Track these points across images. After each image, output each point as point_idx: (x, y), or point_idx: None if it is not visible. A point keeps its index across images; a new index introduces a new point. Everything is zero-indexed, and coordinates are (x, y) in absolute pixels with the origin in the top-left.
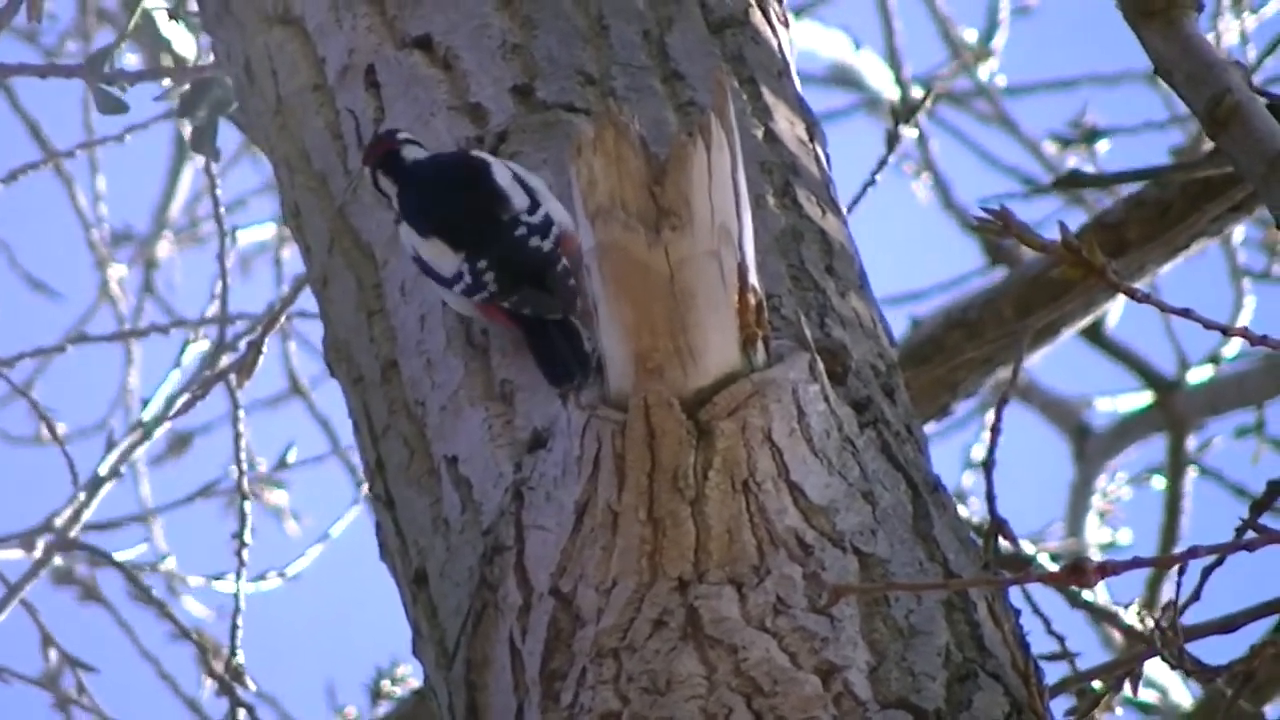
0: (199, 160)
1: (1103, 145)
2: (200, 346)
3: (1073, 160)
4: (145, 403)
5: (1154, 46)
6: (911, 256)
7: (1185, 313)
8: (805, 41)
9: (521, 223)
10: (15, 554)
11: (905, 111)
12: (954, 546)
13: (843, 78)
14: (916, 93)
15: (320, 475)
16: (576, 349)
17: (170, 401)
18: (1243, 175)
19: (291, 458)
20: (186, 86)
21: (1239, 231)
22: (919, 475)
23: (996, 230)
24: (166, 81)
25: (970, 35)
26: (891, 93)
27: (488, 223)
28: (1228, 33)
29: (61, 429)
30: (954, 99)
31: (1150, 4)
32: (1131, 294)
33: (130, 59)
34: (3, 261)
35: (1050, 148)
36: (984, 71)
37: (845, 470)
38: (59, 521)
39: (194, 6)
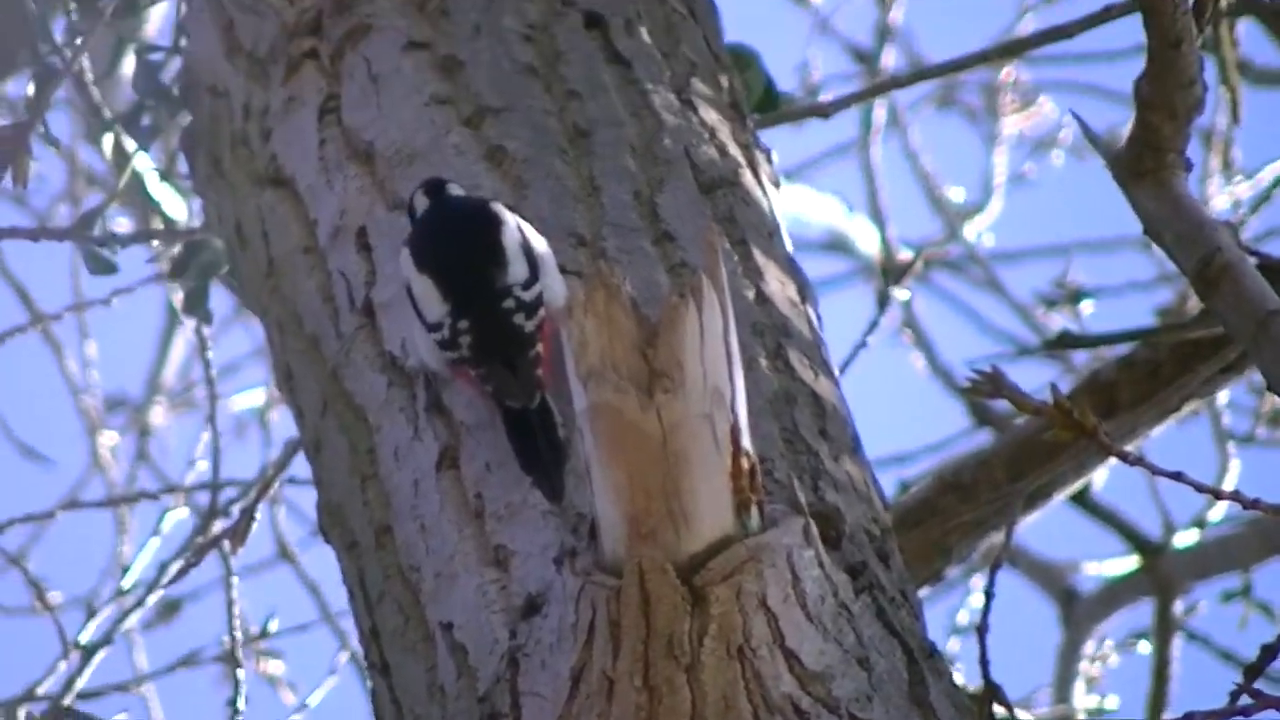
0: (191, 324)
1: (1087, 306)
2: (180, 514)
3: (1060, 323)
4: (125, 570)
5: (1144, 207)
6: (897, 419)
7: (1177, 476)
8: (797, 206)
9: (512, 295)
10: None
11: (896, 273)
12: (950, 713)
13: (836, 243)
14: (906, 255)
15: (310, 641)
16: (550, 438)
17: (163, 568)
18: (1233, 336)
19: (274, 626)
20: (177, 249)
21: (1224, 394)
22: (914, 641)
23: (987, 392)
24: (156, 244)
25: (958, 196)
26: (883, 260)
27: (481, 284)
28: (1217, 196)
29: (56, 597)
30: (945, 263)
31: (1140, 164)
32: (1124, 456)
33: (121, 222)
34: None
35: (1041, 313)
36: (974, 236)
37: (840, 636)
38: (49, 689)
39: (184, 169)
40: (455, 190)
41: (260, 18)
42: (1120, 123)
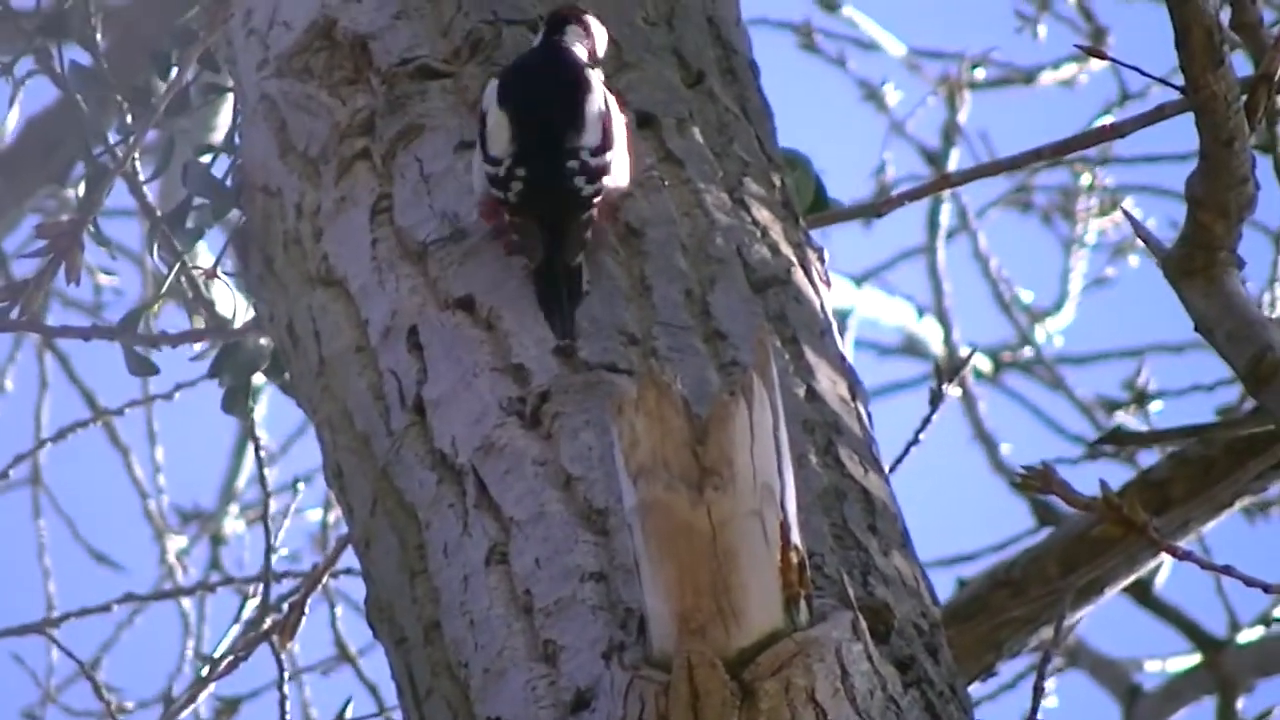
0: (256, 426)
1: (1155, 407)
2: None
3: (1132, 425)
4: (198, 669)
5: (1195, 305)
6: (964, 518)
7: (1226, 570)
8: (868, 309)
9: (579, 157)
10: None
11: (949, 370)
12: None
13: (910, 347)
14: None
15: None
16: (571, 300)
17: (213, 664)
18: None
19: None
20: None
21: None
22: None
23: (1038, 487)
24: (200, 345)
25: (1027, 297)
26: (945, 355)
27: (551, 140)
28: None
29: (129, 704)
30: (1020, 365)
31: (1191, 262)
32: (1172, 551)
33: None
34: (65, 534)
35: (1108, 415)
36: (1046, 337)
37: None
38: None
39: (236, 267)
40: (571, 40)
41: (313, 117)
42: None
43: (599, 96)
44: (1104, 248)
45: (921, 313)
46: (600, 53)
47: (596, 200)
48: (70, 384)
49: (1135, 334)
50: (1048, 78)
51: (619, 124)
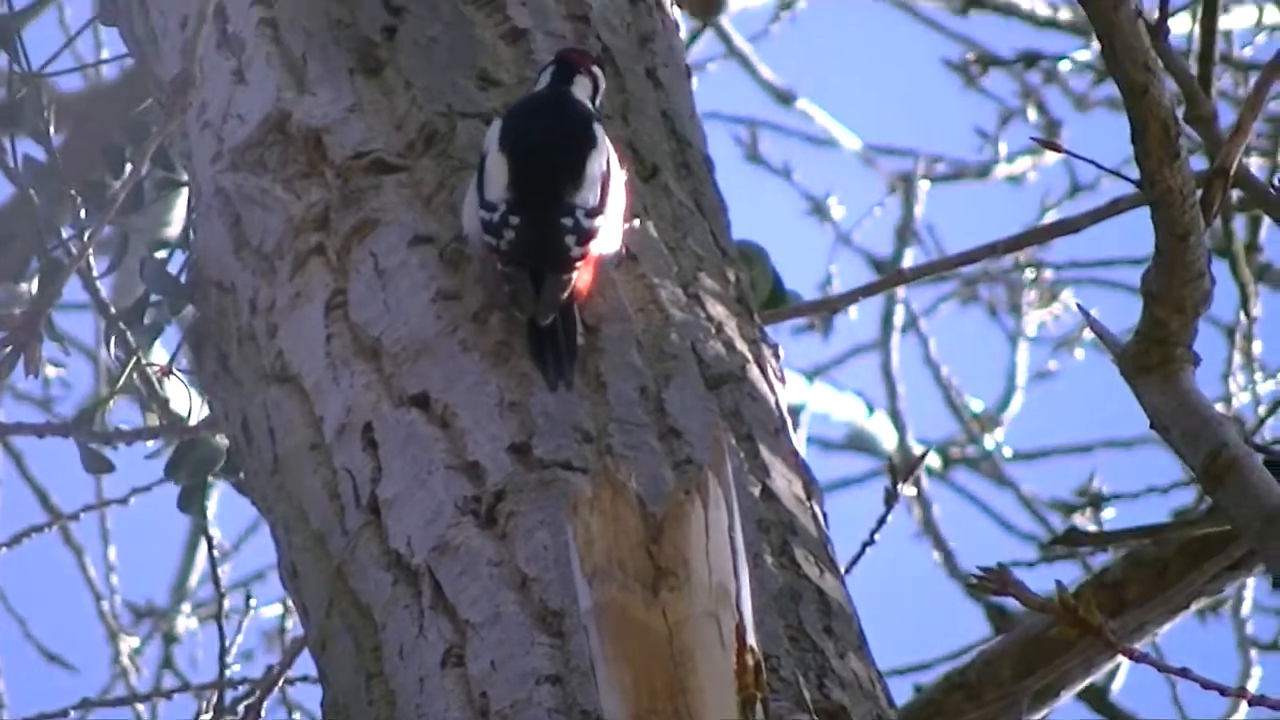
0: (208, 524)
1: (1109, 512)
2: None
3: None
4: None
5: (1150, 402)
6: (919, 623)
7: (1183, 672)
8: (819, 405)
9: (574, 214)
10: None
11: (904, 469)
12: None
13: (859, 442)
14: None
15: None
16: (569, 346)
17: None
18: (1239, 532)
19: None
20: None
21: (1248, 601)
22: None
23: (994, 589)
24: (155, 442)
25: (977, 405)
26: (895, 457)
27: (549, 189)
28: (1239, 393)
29: None
30: (968, 462)
31: (1147, 359)
32: (1129, 654)
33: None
34: (16, 634)
35: (1061, 516)
36: (992, 440)
37: None
38: None
39: (190, 364)
40: (578, 91)
41: (267, 212)
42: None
43: (603, 155)
44: (1047, 341)
45: (871, 409)
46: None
47: (580, 264)
48: (21, 480)
49: (1080, 429)
50: (1001, 171)
51: (618, 185)
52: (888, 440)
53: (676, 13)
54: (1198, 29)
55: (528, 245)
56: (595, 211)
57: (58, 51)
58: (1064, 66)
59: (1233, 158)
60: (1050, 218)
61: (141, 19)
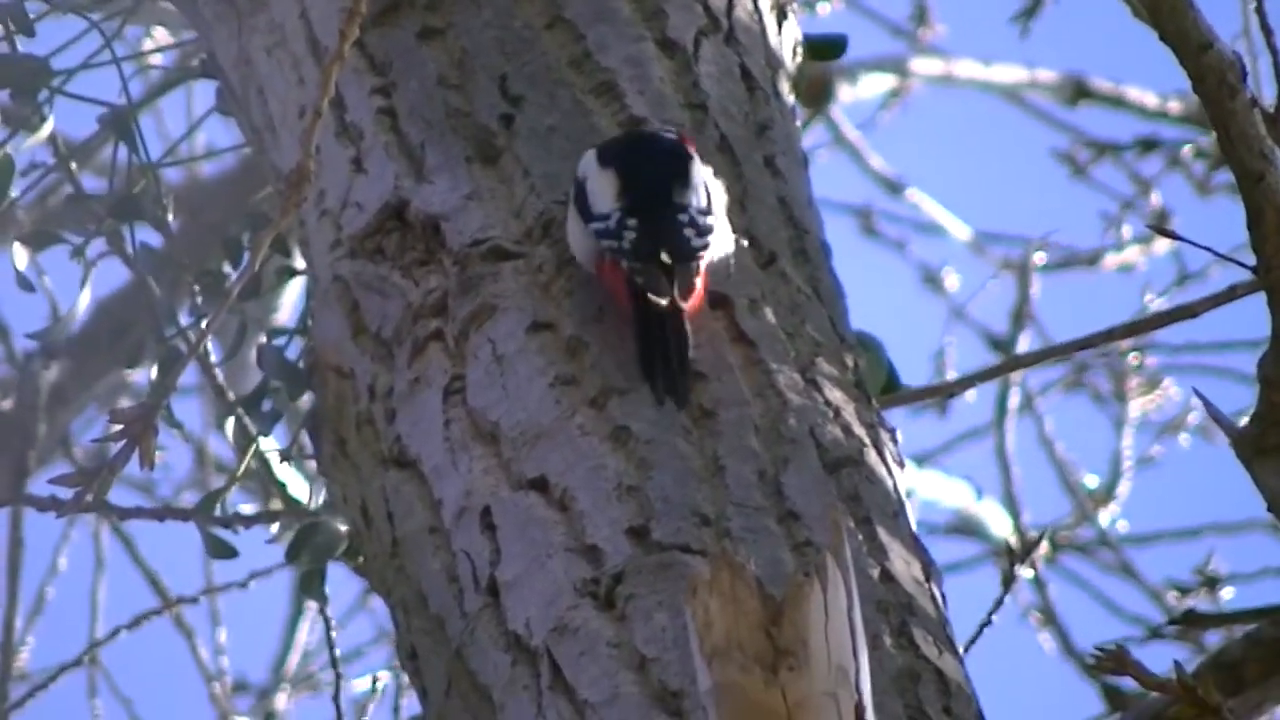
0: (315, 606)
1: (1227, 592)
2: None
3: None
4: None
5: (1268, 484)
6: (1032, 703)
7: None
8: (928, 491)
9: (689, 212)
10: None
11: (1020, 552)
12: None
13: (966, 527)
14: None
15: None
16: (681, 355)
17: None
18: None
19: None
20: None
21: None
22: None
23: (1112, 669)
24: (275, 527)
25: (1091, 482)
26: (1012, 539)
27: (661, 193)
28: None
29: None
30: (1077, 547)
31: (1263, 442)
32: None
33: (244, 507)
34: (122, 715)
35: (1175, 597)
36: (1105, 519)
37: None
38: None
39: (309, 450)
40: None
41: (386, 299)
42: (1245, 405)
43: (699, 166)
44: (1151, 427)
45: (980, 493)
46: None
47: (703, 254)
48: (132, 564)
49: (1185, 514)
50: (1111, 261)
51: (719, 196)
52: (996, 525)
53: (793, 100)
54: None
55: (652, 239)
56: (705, 211)
57: (175, 143)
58: (1187, 151)
59: None
60: (1156, 305)
61: (260, 108)
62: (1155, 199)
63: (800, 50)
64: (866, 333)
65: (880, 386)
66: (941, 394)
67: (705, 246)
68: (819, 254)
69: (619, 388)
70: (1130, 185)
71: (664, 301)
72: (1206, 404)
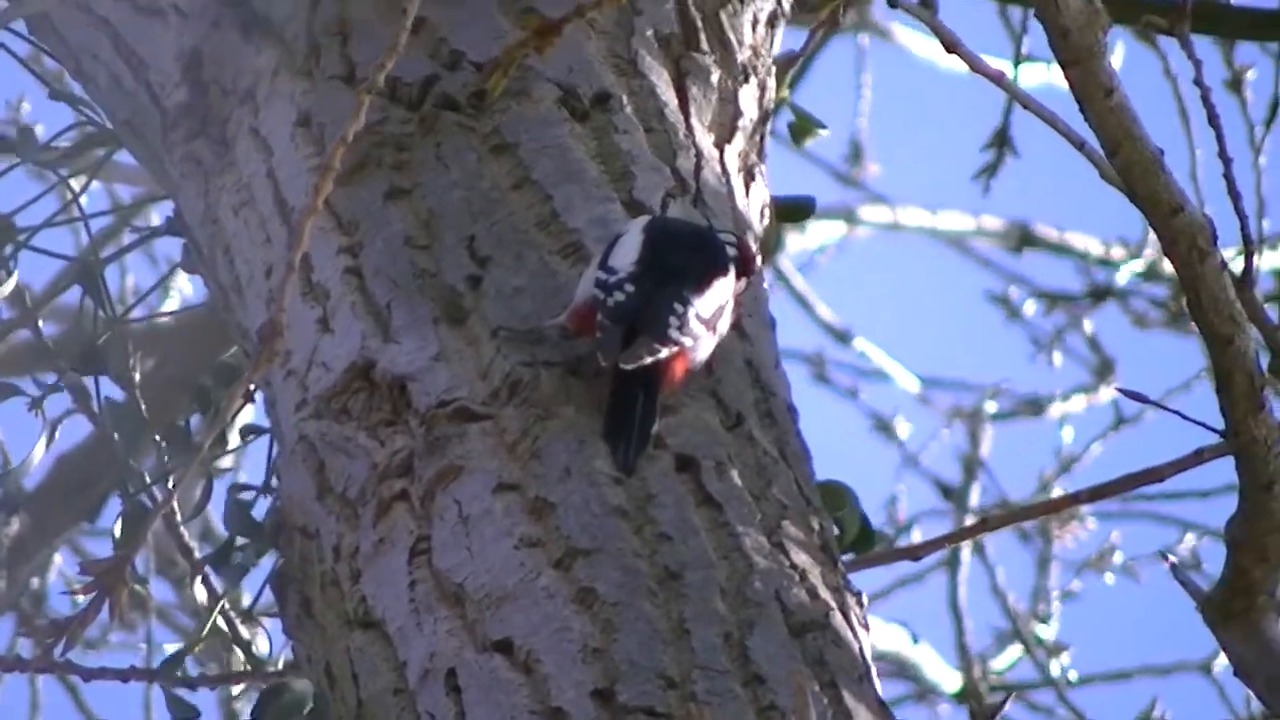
0: None
1: None
2: None
3: None
4: None
5: (1234, 650)
6: None
7: None
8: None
9: (687, 310)
10: None
11: (986, 715)
12: None
13: (900, 671)
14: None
15: None
16: (641, 434)
17: None
18: None
19: None
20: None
21: None
22: None
23: None
24: (237, 688)
25: (1046, 632)
26: (950, 684)
27: (675, 284)
28: None
29: None
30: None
31: (1230, 607)
32: None
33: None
34: None
35: None
36: (1060, 669)
37: None
38: None
39: (274, 609)
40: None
41: (351, 459)
42: (1170, 544)
43: (728, 288)
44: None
45: (916, 639)
46: None
47: (675, 348)
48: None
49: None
50: (1056, 409)
51: (726, 319)
52: (930, 669)
53: (765, 263)
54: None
55: (633, 308)
56: (704, 321)
57: (141, 298)
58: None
59: None
60: (1096, 451)
61: (226, 267)
62: (1088, 326)
63: (768, 211)
64: (840, 482)
65: (853, 536)
66: (911, 555)
67: (677, 342)
68: (786, 416)
69: (584, 549)
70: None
71: (603, 362)
72: (1174, 569)
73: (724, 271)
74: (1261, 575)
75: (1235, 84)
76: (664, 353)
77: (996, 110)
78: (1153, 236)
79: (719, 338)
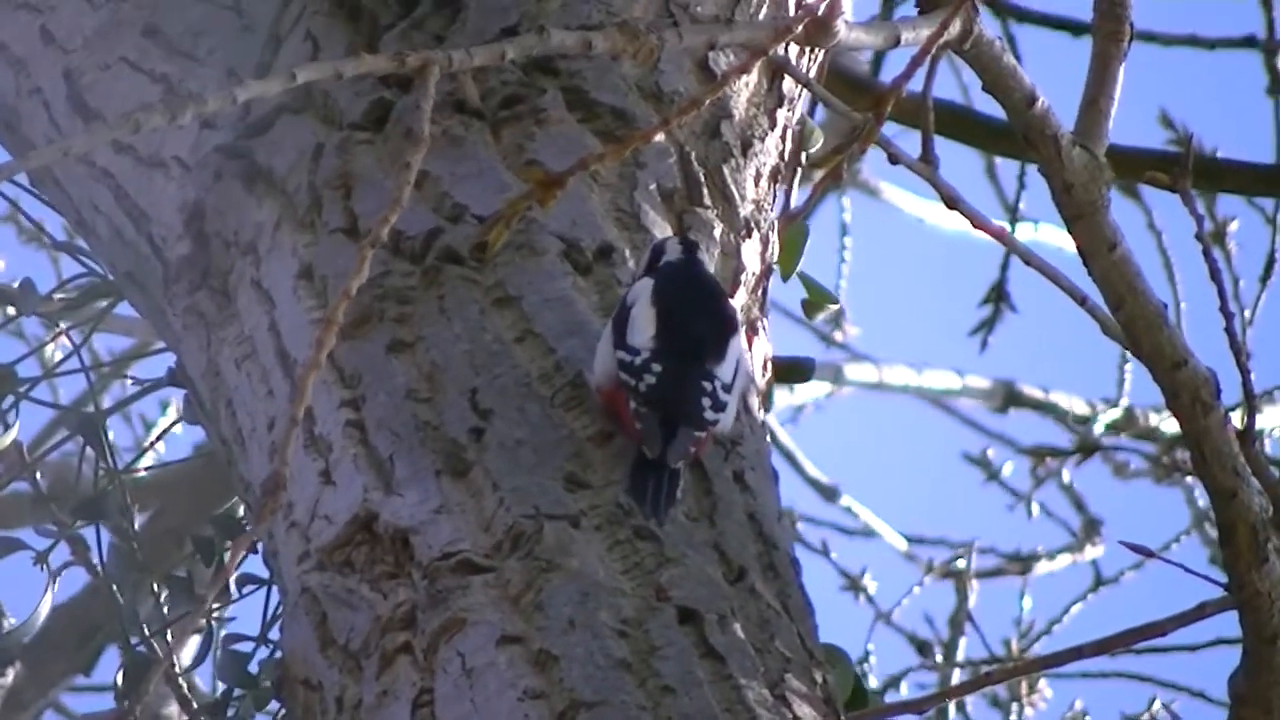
0: None
1: None
2: None
3: None
4: None
5: None
6: None
7: None
8: None
9: (715, 385)
10: None
11: None
12: None
13: None
14: None
15: None
16: (670, 489)
17: None
18: None
19: None
20: None
21: None
22: None
23: None
24: None
25: None
26: None
27: (696, 355)
28: None
29: None
30: None
31: None
32: None
33: None
34: None
35: None
36: None
37: None
38: None
39: None
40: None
41: (354, 611)
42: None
43: (740, 341)
44: None
45: None
46: None
47: (711, 428)
48: None
49: None
50: (1043, 567)
51: (742, 373)
52: None
53: (764, 416)
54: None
55: (667, 393)
56: (728, 388)
57: (141, 452)
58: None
59: None
60: (1076, 610)
61: (229, 420)
62: (1066, 476)
63: (769, 365)
64: (833, 645)
65: (848, 698)
66: (913, 709)
67: (715, 422)
68: (788, 569)
69: (588, 701)
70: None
71: (650, 455)
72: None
73: (735, 329)
74: None
75: (1219, 236)
76: (705, 435)
77: (983, 269)
78: (1131, 388)
79: (739, 392)
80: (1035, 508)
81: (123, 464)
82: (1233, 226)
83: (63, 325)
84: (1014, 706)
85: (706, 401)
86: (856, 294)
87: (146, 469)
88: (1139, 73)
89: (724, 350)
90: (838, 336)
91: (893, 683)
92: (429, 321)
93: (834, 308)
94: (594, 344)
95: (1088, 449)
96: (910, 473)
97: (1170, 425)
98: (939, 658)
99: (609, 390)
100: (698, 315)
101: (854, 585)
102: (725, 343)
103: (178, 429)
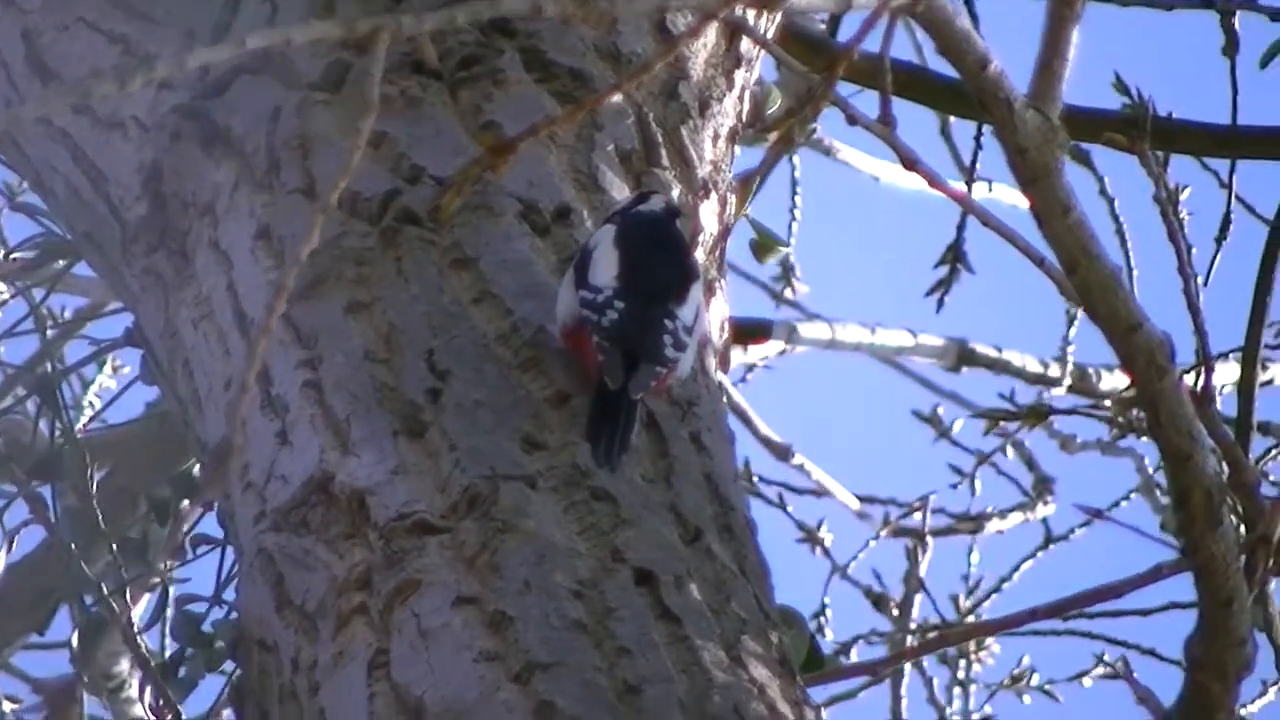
0: None
1: None
2: None
3: None
4: None
5: None
6: None
7: None
8: None
9: (676, 324)
10: None
11: None
12: None
13: None
14: None
15: None
16: (625, 430)
17: None
18: None
19: None
20: None
21: None
22: None
23: None
24: None
25: None
26: None
27: (658, 296)
28: None
29: None
30: None
31: None
32: None
33: None
34: None
35: None
36: None
37: None
38: None
39: None
40: (680, 226)
41: (310, 572)
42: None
43: (700, 291)
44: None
45: None
46: None
47: (671, 366)
48: None
49: None
50: (993, 525)
51: (700, 324)
52: None
53: (720, 376)
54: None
55: (629, 329)
56: (689, 330)
57: (99, 411)
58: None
59: (1276, 525)
60: (1026, 567)
61: (186, 380)
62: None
63: (727, 326)
64: (788, 607)
65: (802, 660)
66: (870, 671)
67: (675, 360)
68: (744, 531)
69: (543, 662)
70: (996, 440)
71: (612, 386)
72: (1134, 685)
73: (697, 277)
74: (1220, 691)
75: (1172, 202)
76: (665, 371)
77: (937, 228)
78: (1079, 350)
79: (698, 339)
80: (983, 475)
81: (80, 424)
82: (1184, 194)
83: (18, 285)
84: (962, 663)
85: (668, 339)
86: (811, 253)
87: (92, 427)
88: (1097, 34)
89: (685, 294)
90: (788, 293)
91: (844, 650)
92: (386, 282)
93: (785, 250)
94: (552, 307)
95: (1039, 414)
96: (863, 431)
97: (1121, 384)
98: (895, 612)
99: (572, 327)
100: (660, 260)
101: (811, 538)
102: (687, 287)
103: (112, 384)
